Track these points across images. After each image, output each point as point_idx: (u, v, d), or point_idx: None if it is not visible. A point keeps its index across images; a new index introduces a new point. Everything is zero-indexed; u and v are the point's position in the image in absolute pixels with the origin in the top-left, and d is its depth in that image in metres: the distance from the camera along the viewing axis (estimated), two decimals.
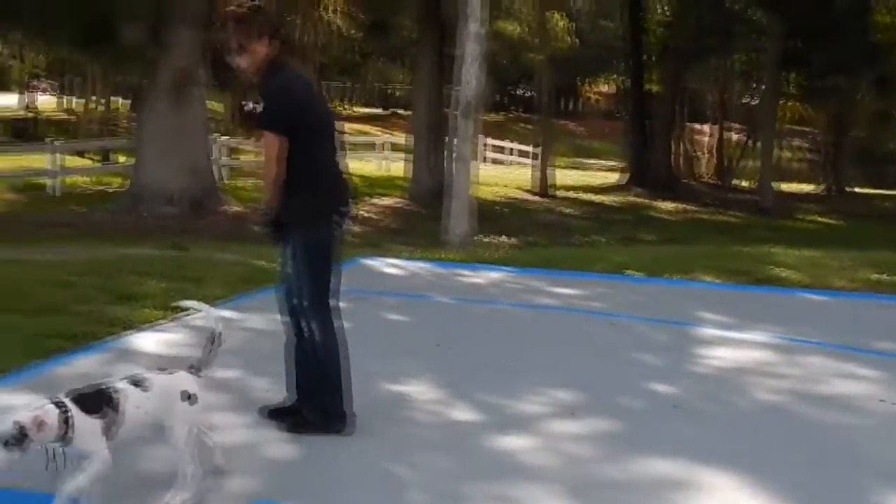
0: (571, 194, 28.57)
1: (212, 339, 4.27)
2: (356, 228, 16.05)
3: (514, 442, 5.15)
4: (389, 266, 10.19)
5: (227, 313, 7.95)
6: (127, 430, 3.88)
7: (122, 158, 26.26)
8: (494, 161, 39.37)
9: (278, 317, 6.36)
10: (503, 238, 16.81)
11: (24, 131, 35.23)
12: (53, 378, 5.99)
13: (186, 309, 4.35)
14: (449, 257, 11.89)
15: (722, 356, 7.11)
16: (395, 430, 5.31)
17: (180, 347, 6.88)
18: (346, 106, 56.49)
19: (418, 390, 6.05)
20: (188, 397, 4.04)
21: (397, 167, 29.54)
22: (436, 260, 11.39)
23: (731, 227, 23.24)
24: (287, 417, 5.28)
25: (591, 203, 27.31)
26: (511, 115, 56.50)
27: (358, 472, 4.69)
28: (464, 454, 4.97)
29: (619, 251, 13.14)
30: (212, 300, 8.24)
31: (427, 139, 22.63)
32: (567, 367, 6.66)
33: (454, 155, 15.84)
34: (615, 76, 48.14)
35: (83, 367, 6.29)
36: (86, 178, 23.79)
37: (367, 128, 46.48)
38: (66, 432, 3.64)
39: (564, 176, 30.95)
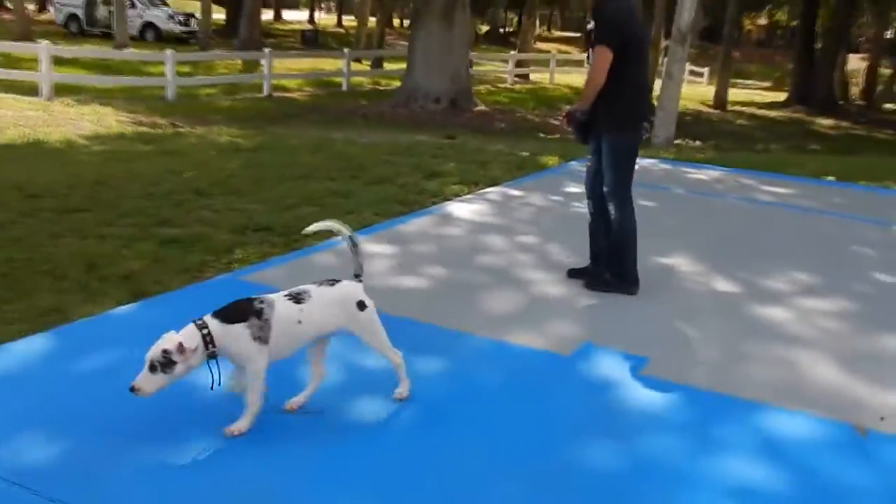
0: (743, 109, 26.96)
1: (353, 247, 3.33)
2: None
3: (774, 313, 4.87)
4: None
5: (512, 191, 7.94)
6: (283, 339, 3.11)
7: (386, 65, 26.44)
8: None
9: (554, 196, 6.25)
10: (697, 143, 16.00)
11: (313, 41, 35.80)
12: (399, 233, 6.14)
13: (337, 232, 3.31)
14: (666, 156, 11.42)
15: None
16: (674, 296, 5.14)
17: (486, 216, 6.91)
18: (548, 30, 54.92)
19: (681, 263, 5.83)
20: (362, 304, 3.27)
21: None
22: (658, 158, 10.95)
23: (886, 143, 21.34)
24: (586, 277, 5.23)
25: (761, 117, 25.71)
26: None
27: (654, 327, 4.56)
28: (736, 320, 4.74)
29: (811, 158, 12.24)
30: (499, 181, 8.29)
31: None
32: (799, 254, 6.24)
33: (663, 73, 15.03)
34: (779, 9, 44.81)
35: (419, 226, 6.41)
36: (364, 79, 24.13)
37: (566, 48, 44.97)
38: (209, 348, 3.01)
39: (730, 94, 29.15)
